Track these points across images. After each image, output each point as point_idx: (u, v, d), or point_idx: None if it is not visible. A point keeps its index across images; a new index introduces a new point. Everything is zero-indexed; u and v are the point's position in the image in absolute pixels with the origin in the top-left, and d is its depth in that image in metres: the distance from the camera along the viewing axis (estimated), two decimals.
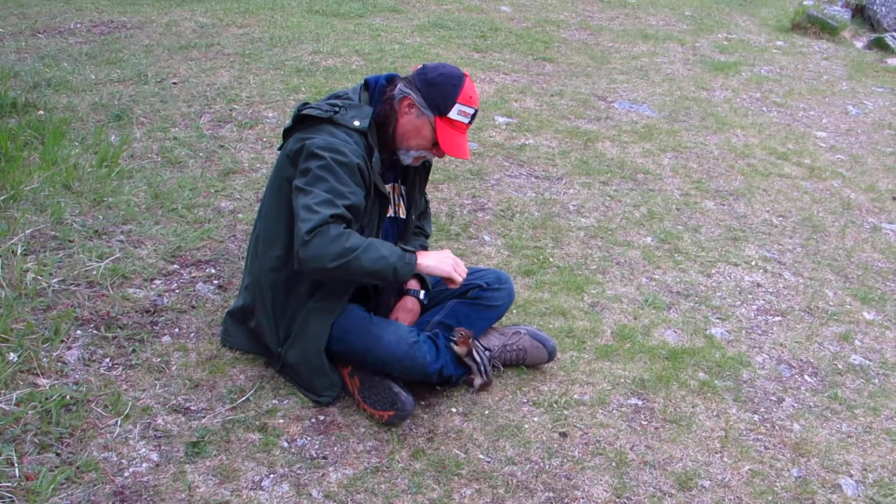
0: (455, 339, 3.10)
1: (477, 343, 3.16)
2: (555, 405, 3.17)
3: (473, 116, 2.99)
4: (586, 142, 5.83)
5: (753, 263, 4.51)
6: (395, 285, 3.25)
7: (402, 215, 3.24)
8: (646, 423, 3.16)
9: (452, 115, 2.94)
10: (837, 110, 7.70)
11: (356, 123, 2.89)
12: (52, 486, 2.44)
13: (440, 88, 2.94)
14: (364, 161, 2.86)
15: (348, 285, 2.97)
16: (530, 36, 8.47)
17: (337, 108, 2.91)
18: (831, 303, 4.25)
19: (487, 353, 3.19)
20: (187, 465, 2.65)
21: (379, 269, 2.74)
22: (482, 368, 3.12)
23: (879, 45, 10.32)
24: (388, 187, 3.09)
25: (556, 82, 7.13)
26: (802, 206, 5.38)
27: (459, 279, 2.95)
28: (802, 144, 6.51)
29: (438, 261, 2.93)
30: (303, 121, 2.94)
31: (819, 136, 6.84)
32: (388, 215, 3.11)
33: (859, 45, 10.54)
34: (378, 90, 3.03)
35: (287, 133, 3.00)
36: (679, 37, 9.37)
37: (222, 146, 4.96)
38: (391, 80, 3.04)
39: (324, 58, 6.84)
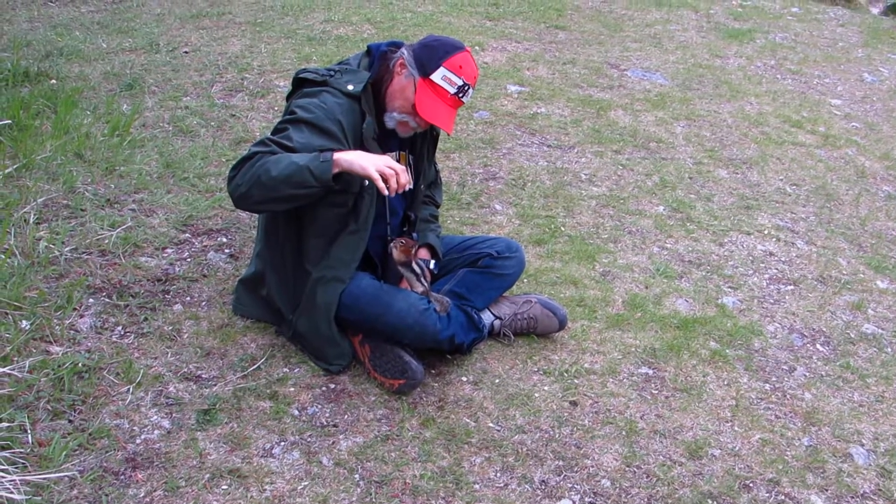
0: (395, 245, 3.02)
1: (417, 258, 3.11)
2: (565, 374, 3.17)
3: (462, 91, 2.90)
4: (599, 110, 5.79)
5: (766, 232, 4.49)
6: (322, 190, 2.70)
7: (410, 185, 3.21)
8: (656, 392, 3.16)
9: (435, 77, 2.87)
10: (853, 77, 7.62)
11: (349, 88, 2.87)
12: (64, 453, 2.46)
13: (430, 50, 2.91)
14: (349, 125, 2.85)
15: (355, 252, 2.94)
16: (543, 3, 8.39)
17: (332, 73, 2.91)
18: (844, 272, 4.23)
19: (427, 262, 3.15)
20: (199, 433, 2.67)
21: (291, 173, 2.61)
22: (421, 279, 3.07)
23: None
24: (389, 156, 3.07)
25: (568, 50, 7.07)
26: (816, 174, 5.34)
27: (381, 184, 2.67)
28: (817, 112, 6.45)
29: (362, 157, 2.70)
30: (300, 85, 2.94)
31: (834, 103, 6.77)
32: None
33: (875, 11, 10.42)
34: (378, 55, 3.00)
35: (288, 99, 3.00)
36: (693, 3, 9.27)
37: (234, 115, 4.94)
38: (394, 45, 3.02)
39: (335, 26, 6.80)
